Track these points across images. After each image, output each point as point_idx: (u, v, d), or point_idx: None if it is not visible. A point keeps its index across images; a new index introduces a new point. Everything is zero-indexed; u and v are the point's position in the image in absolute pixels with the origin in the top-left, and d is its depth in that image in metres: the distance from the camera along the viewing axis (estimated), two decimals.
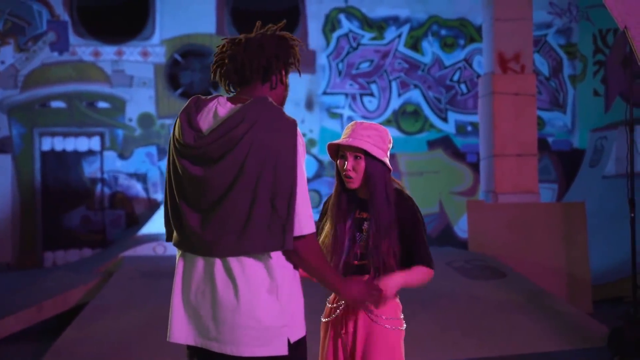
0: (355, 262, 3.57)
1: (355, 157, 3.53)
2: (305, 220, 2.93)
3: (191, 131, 2.95)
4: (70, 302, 8.94)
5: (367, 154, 3.52)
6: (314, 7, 13.75)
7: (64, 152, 13.12)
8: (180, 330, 3.01)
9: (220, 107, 3.01)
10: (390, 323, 3.57)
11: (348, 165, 3.54)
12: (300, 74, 3.27)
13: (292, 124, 2.95)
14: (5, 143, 12.92)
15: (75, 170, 13.14)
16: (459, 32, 14.16)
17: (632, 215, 7.54)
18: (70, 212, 13.08)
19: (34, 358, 7.56)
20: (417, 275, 3.57)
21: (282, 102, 3.18)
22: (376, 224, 3.52)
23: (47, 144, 13.08)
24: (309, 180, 13.32)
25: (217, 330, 2.92)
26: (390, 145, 3.62)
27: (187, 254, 3.02)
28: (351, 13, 13.88)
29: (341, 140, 3.57)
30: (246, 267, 2.91)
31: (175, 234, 3.04)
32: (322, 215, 3.75)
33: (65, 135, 13.11)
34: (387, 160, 3.56)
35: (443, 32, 14.12)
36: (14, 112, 12.94)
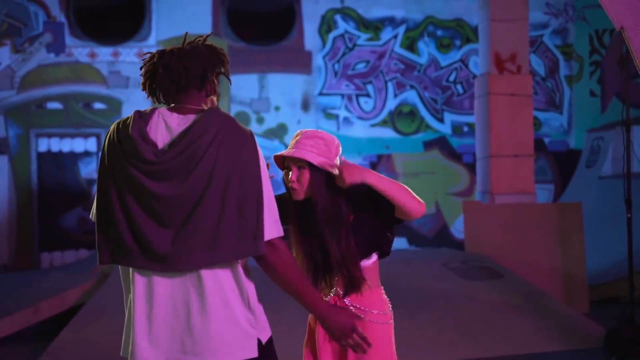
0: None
1: (299, 168, 3.47)
2: (271, 225, 2.95)
3: (148, 146, 2.90)
4: (67, 303, 8.93)
5: (311, 165, 3.46)
6: (310, 7, 13.75)
7: (60, 153, 13.11)
8: (148, 350, 2.95)
9: (168, 119, 2.99)
10: (379, 318, 3.55)
11: (292, 176, 3.48)
12: (230, 82, 3.24)
13: (250, 133, 2.98)
14: (1, 144, 12.91)
15: (72, 171, 13.12)
16: (455, 33, 14.16)
17: (629, 215, 7.55)
18: (67, 213, 13.06)
19: (30, 359, 7.55)
20: (393, 183, 3.49)
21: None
22: (330, 232, 3.47)
23: (43, 145, 13.07)
24: None
25: (192, 343, 2.91)
26: (339, 152, 3.54)
27: (145, 271, 2.95)
28: (347, 14, 13.88)
29: (285, 151, 3.51)
30: (217, 277, 2.92)
31: (118, 252, 2.95)
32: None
33: (61, 136, 13.10)
34: (334, 170, 3.46)
35: (439, 32, 14.12)
36: (10, 113, 12.92)
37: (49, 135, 13.07)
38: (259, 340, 3.01)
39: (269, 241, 2.94)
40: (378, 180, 3.42)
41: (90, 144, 13.16)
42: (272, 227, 2.95)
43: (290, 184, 3.50)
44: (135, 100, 13.18)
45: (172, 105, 3.08)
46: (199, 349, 2.90)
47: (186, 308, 2.92)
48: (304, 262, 3.57)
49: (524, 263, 9.79)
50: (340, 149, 3.57)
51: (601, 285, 10.53)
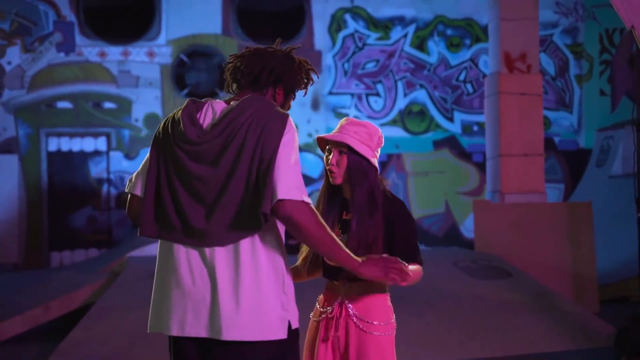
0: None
1: (340, 152, 3.51)
2: (292, 185, 2.91)
3: (194, 128, 3.02)
4: (77, 302, 8.95)
5: (351, 149, 3.49)
6: (320, 7, 13.75)
7: (70, 152, 13.15)
8: (180, 323, 3.00)
9: (217, 106, 3.09)
10: (380, 329, 3.51)
11: (332, 159, 3.52)
12: (305, 94, 3.35)
13: (285, 114, 3.04)
14: (11, 143, 12.95)
15: (82, 170, 13.16)
16: (465, 32, 14.14)
17: (639, 215, 7.53)
18: (77, 212, 13.10)
19: (41, 358, 7.57)
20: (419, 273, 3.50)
21: None
22: (357, 223, 3.47)
23: (53, 144, 13.11)
24: (317, 180, 13.32)
25: (224, 318, 2.93)
26: (381, 144, 3.58)
27: (186, 247, 3.02)
28: (357, 13, 13.87)
29: (329, 134, 3.56)
30: (254, 256, 2.96)
31: (163, 226, 3.05)
32: None
33: (71, 135, 13.14)
34: (374, 161, 3.52)
35: (449, 32, 14.11)
36: (21, 113, 12.97)
37: (59, 135, 13.11)
38: (289, 324, 3.01)
39: (297, 200, 2.90)
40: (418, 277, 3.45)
41: (100, 143, 13.19)
42: (295, 190, 2.92)
43: (329, 167, 3.53)
44: (145, 100, 13.21)
45: (228, 98, 3.18)
46: (231, 324, 2.92)
47: (222, 283, 2.95)
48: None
49: (533, 262, 9.77)
50: (383, 140, 3.61)
51: (611, 285, 10.50)
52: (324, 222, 2.99)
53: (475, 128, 14.06)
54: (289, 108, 3.29)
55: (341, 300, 3.57)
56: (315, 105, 13.67)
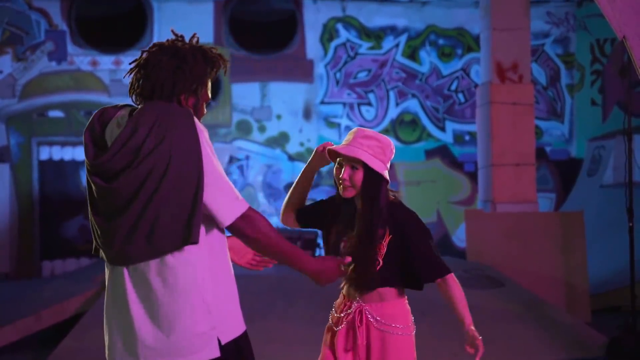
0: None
1: (352, 167, 3.45)
2: (231, 203, 2.90)
3: (93, 149, 2.97)
4: (69, 312, 8.92)
5: (365, 165, 3.43)
6: (312, 16, 13.77)
7: (61, 161, 13.12)
8: (112, 349, 2.97)
9: (119, 120, 3.00)
10: (402, 330, 3.54)
11: (344, 174, 3.46)
12: (225, 73, 3.25)
13: (186, 115, 2.93)
14: (3, 152, 12.92)
15: (73, 179, 13.13)
16: (457, 42, 14.18)
17: (631, 224, 7.55)
18: (68, 221, 13.06)
19: None
20: (458, 296, 3.64)
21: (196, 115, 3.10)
22: (360, 234, 3.46)
23: (45, 153, 13.08)
24: None
25: (144, 345, 2.87)
26: (392, 156, 3.54)
27: (110, 266, 3.01)
28: (349, 22, 13.90)
29: (340, 147, 3.48)
30: (163, 271, 2.88)
31: (99, 247, 3.03)
32: (316, 203, 3.74)
33: (63, 144, 13.11)
34: (386, 173, 3.48)
35: (441, 41, 14.14)
36: (12, 122, 12.94)
37: (51, 144, 13.08)
38: (219, 340, 2.93)
39: (242, 215, 2.90)
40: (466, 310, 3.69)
41: None
42: (234, 205, 2.90)
43: (341, 181, 3.48)
44: None
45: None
46: (150, 351, 2.86)
47: (140, 304, 2.89)
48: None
49: (525, 272, 9.78)
50: (394, 152, 3.57)
51: (603, 294, 10.51)
52: (274, 230, 2.99)
53: (467, 137, 14.08)
54: (207, 100, 3.18)
55: (359, 306, 3.56)
56: (307, 114, 13.67)
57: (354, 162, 3.44)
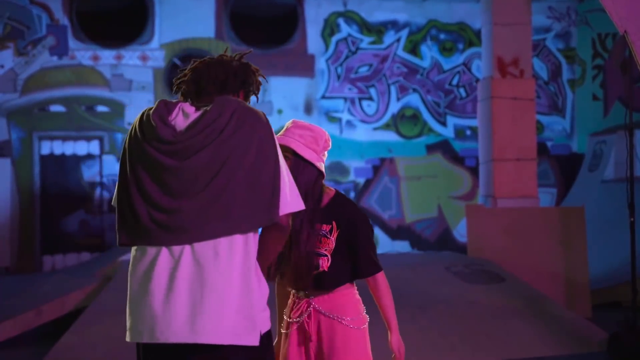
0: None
1: (286, 158, 3.40)
2: (293, 199, 3.04)
3: (167, 129, 3.02)
4: (69, 307, 8.93)
5: (295, 154, 3.47)
6: (313, 11, 13.76)
7: (63, 156, 13.12)
8: (147, 328, 2.95)
9: (187, 109, 3.10)
10: (353, 323, 3.51)
11: None
12: (257, 100, 3.40)
13: (263, 114, 3.10)
14: (4, 147, 12.91)
15: (74, 174, 13.13)
16: (458, 37, 14.16)
17: (632, 219, 7.54)
18: (69, 216, 13.07)
19: None
20: (386, 296, 3.54)
21: None
22: (295, 227, 3.45)
23: (46, 147, 13.08)
24: None
25: (201, 321, 2.88)
26: (327, 147, 3.56)
27: (162, 249, 2.97)
28: (350, 17, 13.88)
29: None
30: (232, 260, 2.93)
31: (137, 232, 3.01)
32: None
33: (64, 139, 13.11)
34: (320, 165, 3.50)
35: (442, 36, 14.12)
36: (13, 116, 12.93)
37: (52, 138, 13.08)
38: (260, 332, 3.00)
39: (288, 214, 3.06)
40: (393, 317, 3.59)
41: (93, 147, 13.17)
42: (298, 200, 3.07)
43: None
44: (138, 103, 13.19)
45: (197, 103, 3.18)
46: (207, 328, 2.88)
47: (200, 286, 2.91)
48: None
49: (526, 267, 9.78)
50: (330, 143, 3.58)
51: (603, 290, 10.51)
52: None
53: (468, 132, 14.07)
54: None
55: (308, 303, 3.54)
56: (308, 109, 13.66)
57: (286, 152, 3.45)
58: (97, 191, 13.16)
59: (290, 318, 3.61)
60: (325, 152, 3.58)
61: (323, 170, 3.53)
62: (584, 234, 10.02)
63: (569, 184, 14.18)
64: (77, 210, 13.08)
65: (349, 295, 3.55)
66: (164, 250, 2.96)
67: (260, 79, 3.35)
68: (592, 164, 13.72)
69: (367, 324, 3.58)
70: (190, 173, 2.94)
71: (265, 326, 3.04)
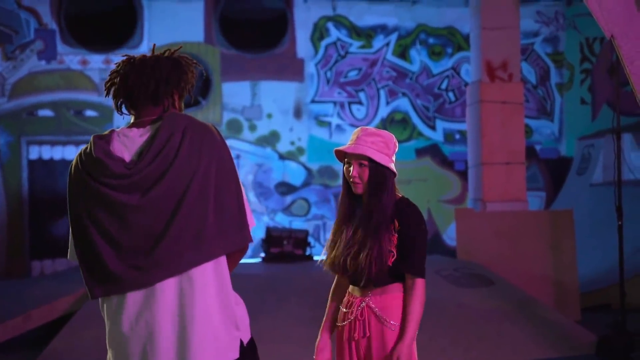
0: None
1: (360, 165, 3.62)
2: (249, 215, 2.98)
3: (115, 162, 2.85)
4: (58, 312, 8.89)
5: (371, 160, 3.60)
6: (302, 15, 13.77)
7: (51, 160, 13.08)
8: None
9: (129, 134, 2.94)
10: (397, 328, 3.65)
11: (354, 172, 3.64)
12: (192, 100, 3.21)
13: (213, 127, 2.98)
14: None
15: (63, 179, 13.09)
16: (447, 41, 14.19)
17: (620, 223, 7.57)
18: (58, 220, 13.03)
19: None
20: (416, 302, 3.61)
21: None
22: (366, 226, 3.60)
23: (34, 152, 13.04)
24: (299, 188, 13.35)
25: (185, 350, 2.85)
26: (396, 149, 3.71)
27: (137, 293, 2.87)
28: (339, 21, 13.90)
29: (346, 147, 3.66)
30: (205, 280, 2.87)
31: (107, 281, 2.88)
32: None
33: (52, 143, 13.08)
34: (392, 166, 3.66)
35: (431, 40, 14.15)
36: (1, 121, 12.90)
37: (40, 143, 13.05)
38: (241, 341, 2.98)
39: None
40: (414, 329, 3.67)
41: None
42: (250, 217, 2.99)
43: (352, 179, 3.65)
44: None
45: (131, 121, 3.04)
46: (192, 355, 2.85)
47: (181, 316, 2.86)
48: (341, 250, 3.67)
49: (515, 270, 9.80)
50: (397, 145, 3.74)
51: (592, 292, 10.55)
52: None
53: (457, 136, 14.10)
54: (183, 109, 3.17)
55: (362, 299, 3.68)
56: (297, 113, 13.67)
57: (361, 159, 3.62)
58: None
59: (345, 308, 3.75)
60: (394, 155, 3.73)
61: (395, 170, 3.69)
62: (573, 237, 10.06)
63: (557, 188, 14.23)
64: (66, 215, 13.04)
65: (399, 300, 3.66)
66: (139, 293, 2.86)
67: (196, 69, 3.16)
68: (581, 167, 13.77)
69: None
70: (155, 206, 2.80)
71: (246, 336, 3.03)
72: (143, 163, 2.82)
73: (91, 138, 2.95)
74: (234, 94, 13.47)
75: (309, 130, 13.66)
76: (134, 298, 2.87)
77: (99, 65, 13.20)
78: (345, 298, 3.78)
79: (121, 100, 3.04)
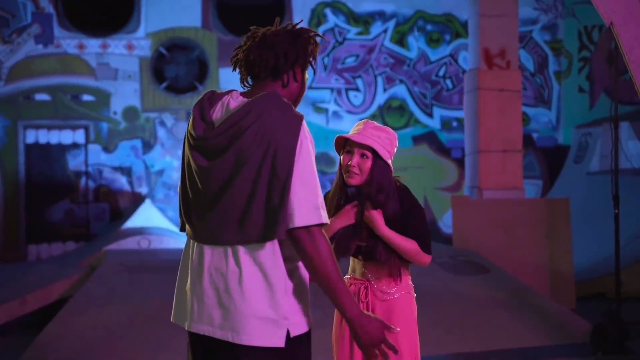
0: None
1: (362, 155, 3.57)
2: (309, 211, 2.85)
3: (202, 124, 2.98)
4: (54, 296, 8.91)
5: (375, 153, 3.56)
6: (300, 1, 13.73)
7: (48, 145, 13.06)
8: (183, 314, 3.04)
9: (232, 100, 3.02)
10: (403, 294, 3.78)
11: (353, 161, 3.58)
12: (315, 72, 3.24)
13: (297, 118, 2.96)
14: None
15: (60, 163, 13.08)
16: (445, 28, 14.17)
17: (616, 211, 7.57)
18: (54, 205, 13.02)
19: (18, 351, 7.51)
20: (407, 243, 3.62)
21: (295, 99, 3.19)
22: (377, 222, 3.60)
23: (31, 136, 13.02)
24: None
25: (221, 318, 2.92)
26: (395, 150, 3.70)
27: (195, 242, 3.03)
28: (337, 7, 13.86)
29: (351, 134, 3.59)
30: (256, 259, 2.90)
31: (187, 224, 3.08)
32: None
33: (49, 128, 13.05)
34: (389, 162, 3.65)
35: (429, 27, 14.13)
36: None
37: (37, 127, 13.03)
38: (288, 332, 2.91)
39: (307, 227, 2.84)
40: (392, 236, 3.60)
41: (79, 136, 13.12)
42: (311, 213, 2.85)
43: (350, 168, 3.58)
44: (124, 93, 13.15)
45: (247, 89, 3.10)
46: (226, 325, 2.90)
47: (223, 283, 2.91)
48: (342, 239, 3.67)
49: (511, 258, 9.81)
50: (397, 144, 3.73)
51: (588, 281, 10.57)
52: (334, 257, 2.89)
53: (455, 124, 14.09)
54: (306, 80, 3.20)
55: (364, 282, 3.72)
56: None
57: (365, 150, 3.57)
58: (83, 180, 13.11)
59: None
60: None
61: (392, 167, 3.69)
62: (568, 225, 10.06)
63: (554, 176, 14.23)
64: (63, 199, 13.04)
65: (405, 281, 3.78)
66: (197, 246, 3.00)
67: (318, 39, 3.17)
68: (578, 156, 13.77)
69: (412, 290, 3.83)
70: (214, 176, 2.90)
71: (296, 329, 2.95)
72: (214, 132, 2.92)
73: (206, 92, 3.10)
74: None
75: (306, 116, 13.52)
76: (195, 247, 3.03)
77: (96, 49, 13.16)
78: (347, 279, 3.76)
79: (242, 73, 3.12)
